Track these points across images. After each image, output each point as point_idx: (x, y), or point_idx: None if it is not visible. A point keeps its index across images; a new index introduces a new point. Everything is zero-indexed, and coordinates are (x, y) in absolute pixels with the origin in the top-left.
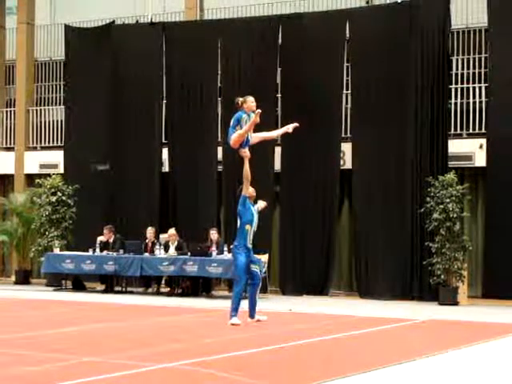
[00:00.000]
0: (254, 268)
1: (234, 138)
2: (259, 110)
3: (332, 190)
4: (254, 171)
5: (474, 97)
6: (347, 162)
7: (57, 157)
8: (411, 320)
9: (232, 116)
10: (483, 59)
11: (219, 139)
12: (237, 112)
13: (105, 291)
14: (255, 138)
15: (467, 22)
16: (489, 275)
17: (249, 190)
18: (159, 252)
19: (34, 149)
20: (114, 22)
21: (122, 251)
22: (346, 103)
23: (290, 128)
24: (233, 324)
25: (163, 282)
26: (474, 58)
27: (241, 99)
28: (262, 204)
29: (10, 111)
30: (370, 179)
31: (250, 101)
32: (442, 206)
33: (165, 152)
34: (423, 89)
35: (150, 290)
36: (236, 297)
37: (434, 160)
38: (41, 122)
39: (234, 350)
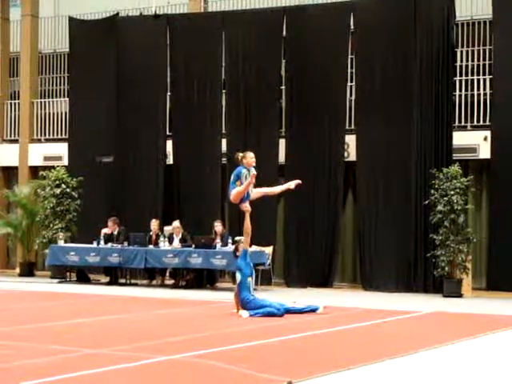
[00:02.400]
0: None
1: (234, 194)
2: (255, 173)
3: (336, 182)
4: (259, 163)
5: (479, 89)
6: (351, 154)
7: (61, 149)
8: (415, 312)
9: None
10: (488, 51)
11: (223, 131)
12: (237, 167)
13: (109, 283)
14: (256, 193)
15: (472, 14)
16: (493, 267)
17: (248, 244)
18: (163, 244)
19: (39, 141)
20: (118, 14)
21: (126, 243)
22: (350, 95)
23: (292, 185)
24: (241, 316)
25: (167, 274)
26: (479, 50)
27: (241, 154)
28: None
29: (15, 103)
30: (374, 171)
31: (250, 156)
32: (446, 199)
33: (169, 144)
34: (427, 81)
35: (154, 282)
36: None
37: (438, 152)
38: (45, 114)
39: (238, 341)
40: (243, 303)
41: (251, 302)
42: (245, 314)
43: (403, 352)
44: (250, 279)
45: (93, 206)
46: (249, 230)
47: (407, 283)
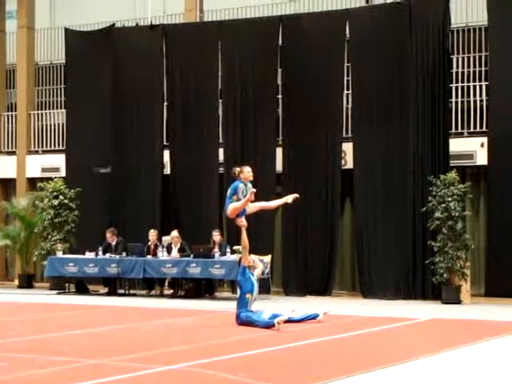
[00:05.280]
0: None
1: (231, 209)
2: (254, 190)
3: (333, 190)
4: (257, 172)
5: (475, 95)
6: (348, 162)
7: (58, 160)
8: (414, 319)
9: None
10: (483, 57)
11: (220, 141)
12: (234, 181)
13: (108, 294)
14: (253, 207)
15: (467, 21)
16: (491, 273)
17: (248, 259)
18: (162, 254)
19: (36, 152)
20: (114, 25)
21: (124, 254)
22: (347, 103)
23: (289, 199)
24: (279, 322)
25: (166, 284)
26: (475, 57)
27: (237, 169)
28: (259, 271)
29: (11, 115)
30: (371, 179)
31: (247, 171)
32: (443, 205)
33: (166, 154)
34: (424, 88)
35: (153, 292)
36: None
37: (435, 159)
38: (42, 126)
39: (238, 351)
40: (236, 317)
41: (241, 319)
42: (283, 317)
43: (403, 359)
44: (248, 296)
45: (91, 217)
46: (246, 245)
47: (406, 290)
